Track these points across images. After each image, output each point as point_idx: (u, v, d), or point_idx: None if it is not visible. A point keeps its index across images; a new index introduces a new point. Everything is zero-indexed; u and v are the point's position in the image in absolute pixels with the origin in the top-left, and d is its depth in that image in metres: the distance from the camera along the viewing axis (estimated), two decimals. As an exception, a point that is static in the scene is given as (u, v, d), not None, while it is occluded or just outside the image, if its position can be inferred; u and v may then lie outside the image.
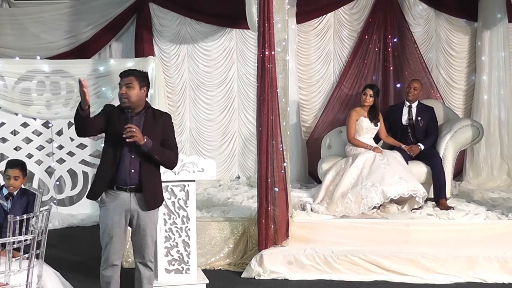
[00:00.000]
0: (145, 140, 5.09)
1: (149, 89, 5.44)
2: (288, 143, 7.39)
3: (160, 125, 5.30)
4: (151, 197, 5.27)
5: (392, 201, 7.84)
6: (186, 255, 6.44)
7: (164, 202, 6.31)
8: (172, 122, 5.50)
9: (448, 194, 8.27)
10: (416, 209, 7.90)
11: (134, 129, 5.05)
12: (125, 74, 5.29)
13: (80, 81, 4.91)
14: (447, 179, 8.26)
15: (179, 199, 6.39)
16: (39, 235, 4.80)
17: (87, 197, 5.45)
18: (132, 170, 5.18)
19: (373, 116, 8.34)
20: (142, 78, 5.30)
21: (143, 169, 5.20)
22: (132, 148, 5.13)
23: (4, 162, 6.54)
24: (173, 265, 6.43)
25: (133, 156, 5.17)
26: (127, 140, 5.04)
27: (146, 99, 5.38)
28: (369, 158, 8.02)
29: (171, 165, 5.48)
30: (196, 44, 10.23)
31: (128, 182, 5.19)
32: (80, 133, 5.26)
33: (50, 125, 9.51)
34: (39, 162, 9.48)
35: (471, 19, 10.08)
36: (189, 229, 6.43)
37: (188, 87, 10.33)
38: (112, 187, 5.22)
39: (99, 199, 5.31)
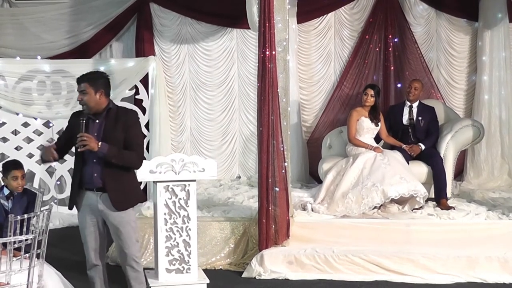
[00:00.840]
0: (99, 146, 5.11)
1: (109, 88, 5.39)
2: (289, 143, 7.39)
3: (120, 125, 5.28)
4: (118, 198, 5.28)
5: (392, 201, 7.84)
6: (187, 255, 6.43)
7: (164, 202, 6.33)
8: (137, 119, 5.48)
9: (449, 194, 8.27)
10: (416, 209, 7.89)
11: (85, 138, 5.09)
12: (79, 81, 5.31)
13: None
14: (448, 179, 8.26)
15: (180, 198, 6.38)
16: (39, 234, 4.80)
17: (69, 207, 5.55)
18: (95, 174, 5.25)
19: (374, 116, 8.34)
20: (97, 82, 5.27)
21: (105, 173, 5.23)
22: (93, 152, 5.16)
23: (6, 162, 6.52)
24: (174, 264, 6.42)
25: (94, 160, 5.23)
26: (78, 150, 5.13)
27: (110, 99, 5.39)
28: (369, 158, 8.01)
29: (133, 166, 5.44)
30: (197, 44, 10.23)
31: (93, 184, 5.28)
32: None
33: (51, 124, 9.53)
34: (39, 162, 9.46)
35: (472, 19, 10.08)
36: (189, 229, 6.42)
37: (189, 87, 10.33)
38: (82, 188, 5.33)
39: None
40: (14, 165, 5.91)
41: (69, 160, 9.46)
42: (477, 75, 10.07)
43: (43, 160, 5.43)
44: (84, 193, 5.33)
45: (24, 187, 5.96)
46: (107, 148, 5.14)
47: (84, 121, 5.18)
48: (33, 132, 9.53)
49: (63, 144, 5.42)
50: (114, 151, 5.18)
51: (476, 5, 9.96)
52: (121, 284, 5.98)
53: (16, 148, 9.46)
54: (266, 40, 7.03)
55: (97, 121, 5.28)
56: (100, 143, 5.12)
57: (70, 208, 5.50)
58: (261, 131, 7.10)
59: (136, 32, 10.11)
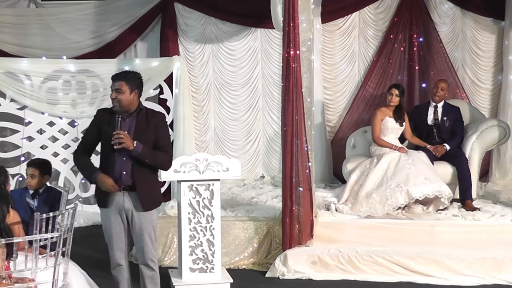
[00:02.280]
0: (135, 145, 5.13)
1: (142, 89, 5.43)
2: (313, 143, 7.39)
3: (152, 126, 5.30)
4: (146, 198, 5.31)
5: (417, 201, 7.79)
6: (211, 254, 6.44)
7: (188, 201, 6.35)
8: (166, 122, 5.57)
9: (474, 195, 8.20)
10: (441, 210, 7.84)
11: (122, 135, 5.09)
12: (115, 78, 5.29)
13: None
14: (473, 180, 8.19)
15: (204, 198, 6.40)
16: (65, 232, 4.83)
17: (99, 205, 5.47)
18: (124, 172, 5.23)
19: (398, 116, 8.29)
20: (133, 82, 5.29)
21: (135, 171, 5.24)
22: (124, 150, 5.16)
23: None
24: (198, 264, 6.44)
25: (124, 159, 5.22)
26: (115, 147, 5.11)
27: (140, 100, 5.40)
28: (394, 158, 7.97)
29: (163, 168, 5.50)
30: (221, 43, 10.23)
31: (121, 183, 5.24)
32: None
33: (75, 124, 9.60)
34: (64, 161, 9.57)
35: (498, 18, 9.96)
36: (213, 228, 6.44)
37: (213, 86, 10.33)
38: None
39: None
40: (27, 163, 6.05)
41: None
42: (503, 75, 9.96)
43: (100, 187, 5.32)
44: (111, 193, 5.30)
45: (49, 185, 6.02)
46: (141, 147, 5.16)
47: (120, 119, 5.18)
48: (58, 131, 9.61)
49: (91, 142, 5.43)
50: (148, 151, 5.21)
51: (503, 3, 9.83)
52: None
53: (41, 147, 9.55)
54: (290, 40, 7.02)
55: (127, 120, 5.28)
56: (135, 142, 5.13)
57: (103, 206, 5.41)
58: (285, 130, 7.09)
59: (161, 32, 10.13)
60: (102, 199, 5.34)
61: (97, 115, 5.43)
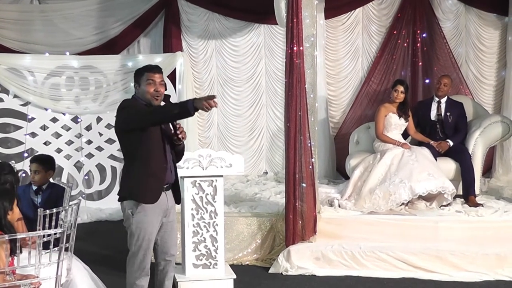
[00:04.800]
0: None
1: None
2: (316, 139, 7.37)
3: None
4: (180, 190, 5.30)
5: (420, 197, 7.78)
6: (214, 250, 6.45)
7: (192, 197, 6.36)
8: None
9: (477, 191, 8.19)
10: (444, 205, 7.83)
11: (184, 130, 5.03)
12: (158, 70, 5.06)
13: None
14: (476, 176, 8.17)
15: (207, 194, 6.40)
16: (68, 229, 4.82)
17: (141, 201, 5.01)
18: (171, 171, 5.12)
19: (402, 112, 8.27)
20: None
21: (175, 166, 5.18)
22: (167, 146, 5.04)
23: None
24: (201, 260, 6.45)
25: (171, 156, 5.12)
26: (183, 141, 5.03)
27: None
28: (397, 154, 7.97)
29: None
30: (224, 39, 10.25)
31: (168, 181, 5.10)
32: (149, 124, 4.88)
33: (79, 120, 9.62)
34: (68, 157, 9.58)
35: (502, 14, 9.95)
36: (216, 224, 6.45)
37: (216, 82, 10.34)
38: None
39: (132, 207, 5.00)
40: (31, 159, 6.07)
41: (97, 155, 9.58)
42: (507, 70, 9.95)
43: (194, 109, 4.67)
44: (157, 192, 5.03)
45: (53, 181, 6.03)
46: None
47: None
48: (62, 127, 9.62)
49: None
50: None
51: (506, -1, 9.86)
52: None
53: (45, 143, 9.56)
54: (293, 35, 7.01)
55: None
56: None
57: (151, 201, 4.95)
58: (289, 126, 7.09)
59: (164, 27, 10.15)
60: (150, 196, 4.98)
61: (133, 103, 5.00)
